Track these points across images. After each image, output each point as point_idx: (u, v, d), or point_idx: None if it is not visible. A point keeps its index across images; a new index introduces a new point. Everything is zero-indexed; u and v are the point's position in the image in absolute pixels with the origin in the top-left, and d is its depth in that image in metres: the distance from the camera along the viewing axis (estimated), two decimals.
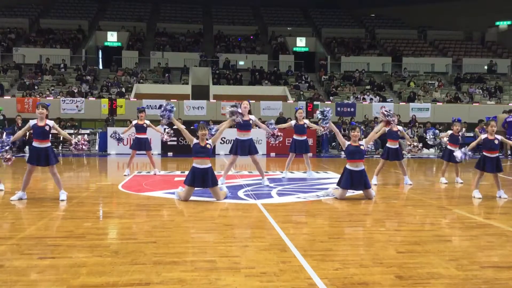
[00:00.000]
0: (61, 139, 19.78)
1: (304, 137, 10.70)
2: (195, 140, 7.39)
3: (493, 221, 6.25)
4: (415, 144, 10.34)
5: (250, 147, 9.12)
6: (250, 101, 9.67)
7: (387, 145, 9.90)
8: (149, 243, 4.81)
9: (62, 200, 7.25)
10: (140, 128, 11.01)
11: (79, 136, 7.65)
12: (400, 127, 9.95)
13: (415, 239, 5.12)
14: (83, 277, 3.77)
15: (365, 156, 7.92)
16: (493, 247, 4.91)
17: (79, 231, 5.34)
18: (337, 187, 7.86)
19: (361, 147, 7.66)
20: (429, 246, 4.81)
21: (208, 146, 7.34)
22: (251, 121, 9.13)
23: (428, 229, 5.65)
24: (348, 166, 7.68)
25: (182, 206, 7.00)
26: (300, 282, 3.70)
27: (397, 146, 9.84)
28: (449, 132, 10.13)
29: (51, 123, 7.30)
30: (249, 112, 9.19)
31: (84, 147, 7.58)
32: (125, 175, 10.69)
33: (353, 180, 7.59)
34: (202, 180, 7.27)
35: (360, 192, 7.85)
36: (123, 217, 6.22)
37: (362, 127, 20.47)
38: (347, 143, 7.74)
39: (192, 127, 8.01)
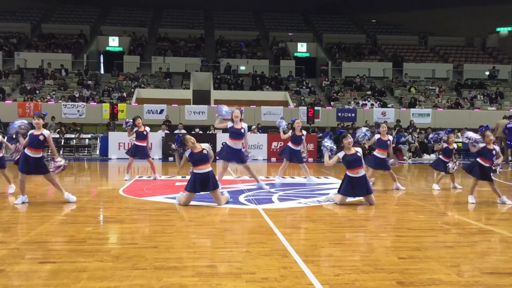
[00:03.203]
0: (62, 143, 19.82)
1: (299, 148, 10.68)
2: (187, 152, 7.32)
3: (494, 227, 6.25)
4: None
5: (241, 157, 9.01)
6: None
7: (375, 153, 9.85)
8: (150, 248, 4.81)
9: (72, 202, 7.35)
10: (140, 136, 10.92)
11: (58, 160, 7.56)
12: (390, 137, 9.93)
13: (416, 245, 5.11)
14: (84, 281, 3.76)
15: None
16: (494, 253, 4.90)
17: (80, 235, 5.34)
18: (337, 193, 7.82)
19: (358, 154, 7.61)
20: (430, 252, 4.80)
21: (204, 151, 7.31)
22: (242, 130, 8.92)
23: (429, 235, 5.64)
24: (348, 173, 7.65)
25: (183, 211, 6.99)
26: None
27: (385, 156, 9.76)
28: (444, 145, 9.91)
29: (46, 133, 7.30)
30: (241, 120, 9.04)
31: (55, 170, 7.38)
32: (125, 180, 10.69)
33: (354, 186, 7.54)
34: (203, 184, 7.26)
35: (361, 197, 7.82)
36: (124, 222, 6.22)
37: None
38: (341, 153, 7.60)
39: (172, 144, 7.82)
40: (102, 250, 4.74)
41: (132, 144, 11.11)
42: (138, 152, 10.89)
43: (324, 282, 3.80)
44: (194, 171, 7.28)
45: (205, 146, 7.43)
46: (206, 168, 7.27)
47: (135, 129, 10.90)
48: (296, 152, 10.65)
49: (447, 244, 5.19)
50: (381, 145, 9.72)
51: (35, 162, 7.20)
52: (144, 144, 10.90)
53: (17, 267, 4.13)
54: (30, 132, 7.25)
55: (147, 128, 10.96)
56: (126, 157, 15.65)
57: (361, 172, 7.57)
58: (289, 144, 10.73)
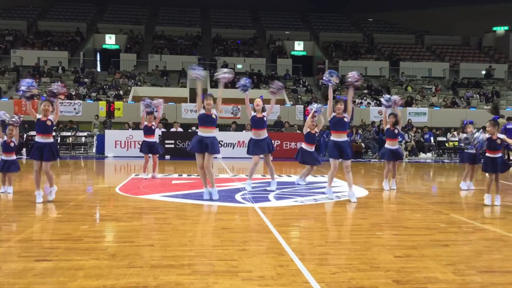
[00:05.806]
0: (58, 141, 19.75)
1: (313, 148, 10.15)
2: (201, 111, 7.64)
3: (490, 226, 6.27)
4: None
5: (268, 145, 8.92)
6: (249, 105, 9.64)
7: (386, 146, 9.60)
8: (146, 246, 4.81)
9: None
10: (149, 130, 10.94)
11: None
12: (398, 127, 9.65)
13: (412, 243, 5.12)
14: (80, 280, 3.76)
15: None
16: (490, 252, 4.92)
17: (76, 233, 5.33)
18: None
19: (345, 119, 7.77)
20: (426, 250, 4.82)
21: (213, 116, 7.64)
22: (265, 118, 9.00)
23: (425, 234, 5.65)
24: (332, 138, 7.86)
25: (180, 209, 6.99)
26: (297, 286, 3.70)
27: (397, 146, 9.63)
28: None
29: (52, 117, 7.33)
30: (263, 110, 9.11)
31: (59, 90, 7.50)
32: (144, 179, 10.62)
33: (339, 150, 7.70)
34: (204, 145, 7.43)
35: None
36: (120, 220, 6.20)
37: (360, 131, 20.53)
38: (333, 114, 7.82)
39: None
40: (98, 248, 4.73)
41: (142, 141, 11.03)
42: (151, 148, 10.93)
43: (320, 281, 3.81)
44: (199, 132, 7.69)
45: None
46: (210, 133, 7.66)
47: (145, 123, 10.99)
48: (312, 153, 9.97)
49: (443, 243, 5.20)
50: (390, 135, 9.52)
51: (47, 147, 7.20)
52: (153, 140, 11.01)
53: (12, 265, 4.12)
54: (37, 117, 7.26)
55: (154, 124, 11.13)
56: (123, 155, 15.58)
57: (344, 137, 7.80)
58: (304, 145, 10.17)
